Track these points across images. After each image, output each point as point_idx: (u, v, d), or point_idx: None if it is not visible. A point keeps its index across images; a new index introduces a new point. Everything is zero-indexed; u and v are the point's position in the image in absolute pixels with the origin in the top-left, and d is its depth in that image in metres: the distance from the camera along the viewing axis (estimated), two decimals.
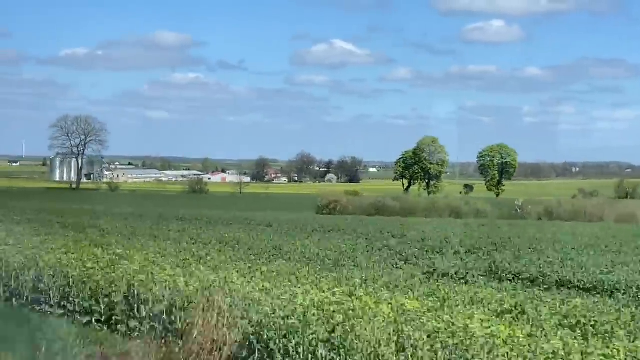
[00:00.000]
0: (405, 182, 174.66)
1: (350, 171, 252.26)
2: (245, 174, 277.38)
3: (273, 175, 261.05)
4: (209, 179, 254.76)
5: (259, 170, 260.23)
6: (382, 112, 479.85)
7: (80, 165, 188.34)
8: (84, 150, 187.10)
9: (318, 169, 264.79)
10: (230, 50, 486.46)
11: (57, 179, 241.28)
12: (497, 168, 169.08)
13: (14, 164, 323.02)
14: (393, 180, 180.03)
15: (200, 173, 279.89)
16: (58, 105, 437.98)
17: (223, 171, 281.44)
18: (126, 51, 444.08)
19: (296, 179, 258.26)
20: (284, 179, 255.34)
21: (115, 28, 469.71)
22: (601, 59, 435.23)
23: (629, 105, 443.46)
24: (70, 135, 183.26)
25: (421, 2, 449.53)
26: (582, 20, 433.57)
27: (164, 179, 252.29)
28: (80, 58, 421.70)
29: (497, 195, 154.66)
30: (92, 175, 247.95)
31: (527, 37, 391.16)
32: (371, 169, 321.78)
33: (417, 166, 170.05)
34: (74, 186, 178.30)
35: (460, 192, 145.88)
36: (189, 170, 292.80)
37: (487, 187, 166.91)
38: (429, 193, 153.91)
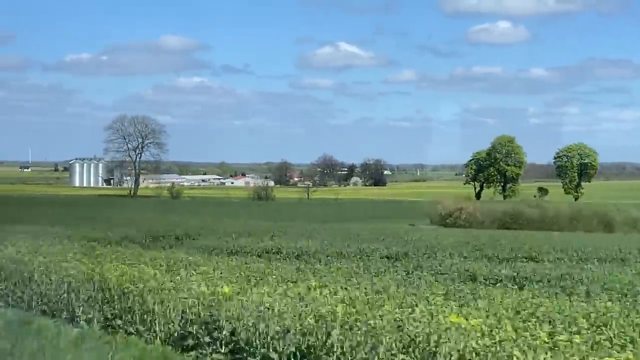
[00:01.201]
0: (477, 185, 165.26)
1: (375, 174, 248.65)
2: (266, 177, 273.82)
3: (297, 179, 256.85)
4: (232, 183, 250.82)
5: (281, 174, 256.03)
6: (385, 115, 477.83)
7: (137, 171, 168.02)
8: (141, 154, 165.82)
9: (340, 172, 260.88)
10: (235, 54, 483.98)
11: (77, 185, 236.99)
12: (577, 169, 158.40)
13: (25, 170, 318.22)
14: (464, 184, 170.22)
15: (219, 177, 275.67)
16: (63, 111, 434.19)
17: (243, 175, 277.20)
18: (131, 56, 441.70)
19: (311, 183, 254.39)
20: (308, 183, 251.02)
21: (120, 33, 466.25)
22: (608, 59, 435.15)
23: (634, 105, 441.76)
24: (127, 137, 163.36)
25: (427, 3, 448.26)
26: (589, 20, 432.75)
27: (185, 183, 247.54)
28: (85, 63, 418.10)
29: (576, 199, 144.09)
30: (112, 181, 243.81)
31: (534, 38, 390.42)
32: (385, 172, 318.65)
33: (492, 168, 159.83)
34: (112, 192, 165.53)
35: (535, 196, 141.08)
36: (205, 174, 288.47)
37: (564, 190, 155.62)
38: (505, 197, 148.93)
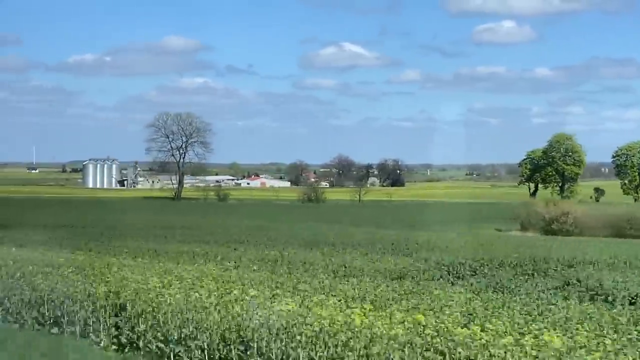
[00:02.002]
0: (532, 185, 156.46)
1: (392, 174, 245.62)
2: (281, 178, 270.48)
3: (313, 179, 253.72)
4: (248, 183, 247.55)
5: (297, 174, 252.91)
6: (389, 115, 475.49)
7: (180, 171, 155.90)
8: (185, 154, 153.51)
9: (356, 172, 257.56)
10: (239, 55, 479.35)
11: (91, 186, 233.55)
12: (637, 169, 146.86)
13: (33, 171, 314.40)
14: (518, 185, 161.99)
15: (232, 178, 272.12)
16: (66, 112, 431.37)
17: (256, 175, 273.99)
18: (134, 57, 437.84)
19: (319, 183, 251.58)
20: (324, 183, 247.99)
21: (123, 34, 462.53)
22: (612, 58, 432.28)
23: (638, 104, 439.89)
24: (170, 136, 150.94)
25: (432, 4, 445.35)
26: (594, 19, 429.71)
27: (201, 184, 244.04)
28: (88, 64, 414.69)
29: (635, 200, 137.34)
30: (125, 182, 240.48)
31: (538, 38, 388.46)
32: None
33: (550, 167, 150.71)
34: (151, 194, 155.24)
35: (591, 197, 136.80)
36: (217, 174, 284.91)
37: (623, 190, 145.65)
38: (563, 197, 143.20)
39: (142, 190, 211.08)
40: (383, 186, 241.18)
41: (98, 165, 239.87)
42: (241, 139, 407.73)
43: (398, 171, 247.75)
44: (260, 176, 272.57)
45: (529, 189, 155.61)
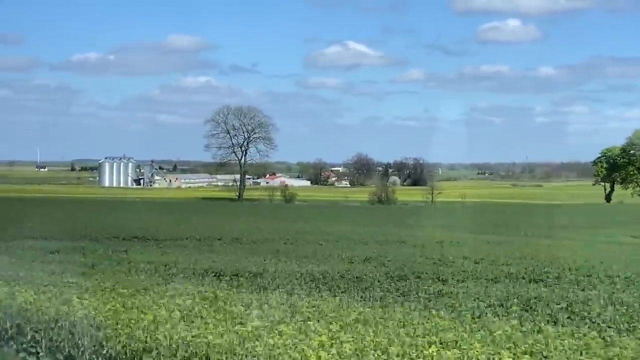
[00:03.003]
0: (607, 185, 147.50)
1: (415, 173, 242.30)
2: (299, 177, 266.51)
3: (334, 179, 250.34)
4: (267, 182, 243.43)
5: (317, 173, 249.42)
6: (393, 114, 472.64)
7: (242, 170, 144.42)
8: (246, 151, 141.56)
9: (376, 171, 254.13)
10: (243, 54, 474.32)
11: (107, 185, 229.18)
12: None
13: (42, 169, 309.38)
14: (593, 184, 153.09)
15: (250, 177, 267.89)
16: (68, 111, 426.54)
17: (273, 174, 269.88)
18: (139, 55, 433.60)
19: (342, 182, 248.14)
20: (345, 183, 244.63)
21: (127, 33, 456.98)
22: (616, 57, 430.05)
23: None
24: (231, 132, 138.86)
25: (437, 2, 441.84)
26: (600, 18, 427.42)
27: (219, 183, 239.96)
28: (92, 63, 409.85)
29: None
30: (141, 181, 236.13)
31: (543, 36, 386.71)
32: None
33: (631, 167, 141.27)
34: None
35: None
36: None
37: None
38: None
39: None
40: (403, 185, 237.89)
41: (114, 163, 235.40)
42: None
43: (420, 170, 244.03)
44: (277, 175, 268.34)
45: (605, 189, 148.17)
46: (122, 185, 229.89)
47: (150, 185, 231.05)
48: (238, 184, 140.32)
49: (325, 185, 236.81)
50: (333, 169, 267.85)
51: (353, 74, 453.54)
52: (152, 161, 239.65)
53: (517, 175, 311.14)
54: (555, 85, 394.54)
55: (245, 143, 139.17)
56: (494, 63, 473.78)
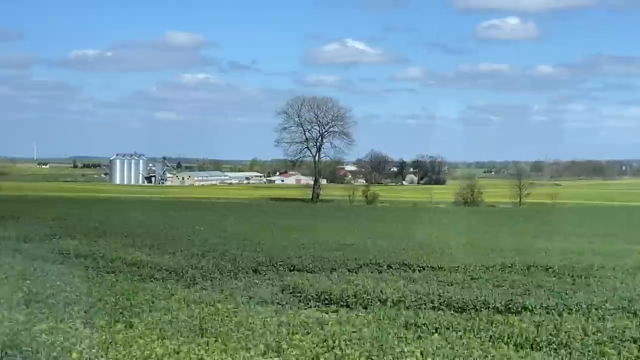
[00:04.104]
0: None
1: (432, 171, 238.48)
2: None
3: (350, 177, 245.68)
4: (282, 180, 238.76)
5: (331, 171, 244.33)
6: (391, 112, 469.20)
7: (317, 168, 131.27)
8: (321, 147, 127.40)
9: (390, 169, 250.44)
10: (242, 51, 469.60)
11: (118, 182, 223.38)
12: None
13: (44, 166, 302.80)
14: None
15: (259, 175, 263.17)
16: (67, 108, 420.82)
17: (285, 172, 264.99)
18: (137, 52, 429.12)
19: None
20: (361, 180, 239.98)
21: (126, 29, 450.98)
22: (616, 56, 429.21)
23: (638, 102, 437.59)
24: (304, 125, 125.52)
25: (437, 0, 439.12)
26: (599, 16, 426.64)
27: (233, 181, 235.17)
28: (91, 59, 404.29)
29: None
30: (152, 178, 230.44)
31: (543, 35, 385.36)
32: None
33: None
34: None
35: None
36: (240, 171, 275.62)
37: None
38: None
39: (165, 187, 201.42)
40: (419, 184, 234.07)
41: (125, 160, 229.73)
42: (240, 135, 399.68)
43: (438, 169, 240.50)
44: (289, 173, 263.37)
45: None
46: (132, 182, 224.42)
47: (162, 183, 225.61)
48: (313, 183, 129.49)
49: (342, 183, 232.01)
50: (345, 166, 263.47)
51: (352, 72, 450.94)
52: (164, 158, 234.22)
53: (527, 173, 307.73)
54: (554, 84, 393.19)
55: (320, 138, 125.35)
56: (493, 61, 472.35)
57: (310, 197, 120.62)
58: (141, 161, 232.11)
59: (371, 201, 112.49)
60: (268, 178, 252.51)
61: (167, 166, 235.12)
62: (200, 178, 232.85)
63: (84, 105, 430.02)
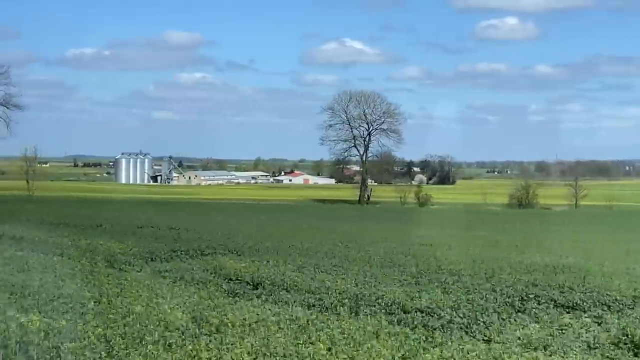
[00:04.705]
0: None
1: (442, 171, 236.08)
2: (318, 174, 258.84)
3: (359, 176, 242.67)
4: (290, 180, 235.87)
5: (338, 170, 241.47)
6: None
7: (364, 168, 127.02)
8: (368, 146, 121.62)
9: (399, 169, 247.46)
10: (240, 50, 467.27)
11: (123, 181, 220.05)
12: None
13: (44, 165, 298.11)
14: None
15: (265, 174, 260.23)
16: (63, 107, 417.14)
17: (291, 172, 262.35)
18: (134, 51, 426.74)
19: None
20: (370, 180, 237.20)
21: (123, 28, 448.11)
22: (615, 56, 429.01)
23: (637, 102, 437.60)
24: (351, 122, 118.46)
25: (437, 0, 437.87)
26: (599, 16, 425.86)
27: (241, 180, 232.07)
28: (88, 58, 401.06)
29: None
30: (158, 177, 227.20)
31: (542, 35, 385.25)
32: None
33: None
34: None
35: None
36: (245, 170, 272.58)
37: None
38: None
39: (175, 186, 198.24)
40: (431, 184, 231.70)
41: (131, 159, 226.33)
42: (239, 135, 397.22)
43: (448, 169, 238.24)
44: (295, 172, 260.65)
45: None
46: (138, 182, 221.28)
47: (168, 182, 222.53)
48: (360, 184, 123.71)
49: (351, 183, 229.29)
50: (350, 165, 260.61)
51: (350, 72, 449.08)
52: (171, 157, 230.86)
53: (531, 173, 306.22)
54: (553, 84, 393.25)
55: (367, 136, 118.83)
56: (492, 61, 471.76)
57: (358, 198, 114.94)
58: (147, 160, 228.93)
59: (423, 203, 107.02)
60: (275, 178, 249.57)
61: (174, 165, 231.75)
62: (207, 178, 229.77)
63: (81, 104, 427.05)
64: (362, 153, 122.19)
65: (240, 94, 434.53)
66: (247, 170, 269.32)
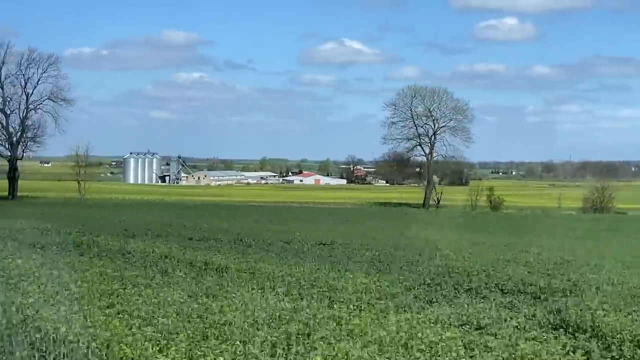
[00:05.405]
0: None
1: (455, 172, 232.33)
2: (328, 174, 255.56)
3: (372, 177, 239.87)
4: (301, 180, 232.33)
5: (348, 171, 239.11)
6: (386, 112, 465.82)
7: (429, 169, 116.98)
8: (433, 145, 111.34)
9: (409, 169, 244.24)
10: (238, 50, 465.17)
11: (132, 181, 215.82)
12: None
13: (46, 165, 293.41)
14: None
15: (274, 174, 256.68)
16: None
17: (300, 172, 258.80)
18: (132, 51, 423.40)
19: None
20: (382, 181, 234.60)
21: (121, 27, 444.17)
22: (613, 57, 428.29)
23: (634, 103, 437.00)
24: (416, 120, 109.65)
25: (436, 0, 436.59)
26: (598, 17, 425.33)
27: (250, 181, 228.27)
28: (86, 58, 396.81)
29: None
30: (167, 177, 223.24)
31: (540, 35, 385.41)
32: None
33: None
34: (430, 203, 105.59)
35: None
36: (255, 171, 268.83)
37: None
38: None
39: (185, 187, 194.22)
40: (443, 184, 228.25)
41: (139, 159, 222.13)
42: (237, 134, 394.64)
43: (461, 169, 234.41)
44: (304, 172, 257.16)
45: None
46: (146, 182, 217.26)
47: (177, 183, 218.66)
48: (425, 187, 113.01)
49: (364, 184, 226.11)
50: (360, 166, 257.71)
51: (348, 71, 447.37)
52: (179, 157, 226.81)
53: (538, 174, 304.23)
54: (551, 84, 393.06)
55: (433, 135, 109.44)
56: (490, 61, 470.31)
57: (422, 202, 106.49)
58: (155, 160, 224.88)
59: (496, 207, 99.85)
60: (285, 178, 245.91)
61: (182, 165, 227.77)
62: (216, 178, 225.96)
63: (79, 103, 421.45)
64: (427, 152, 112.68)
65: (238, 94, 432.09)
66: (254, 170, 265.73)
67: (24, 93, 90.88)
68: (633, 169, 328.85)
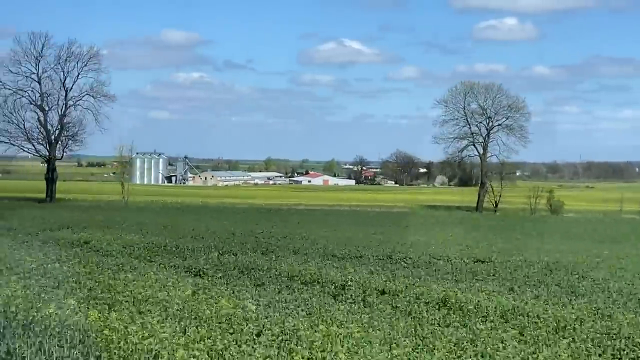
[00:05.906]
0: None
1: (464, 173, 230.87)
2: (335, 175, 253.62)
3: (381, 177, 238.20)
4: (309, 181, 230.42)
5: (356, 172, 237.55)
6: (385, 112, 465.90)
7: (484, 171, 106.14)
8: (488, 142, 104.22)
9: (418, 170, 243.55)
10: (238, 50, 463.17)
11: (138, 182, 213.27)
12: None
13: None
14: None
15: (280, 174, 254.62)
16: None
17: (306, 172, 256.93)
18: (131, 50, 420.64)
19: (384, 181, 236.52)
20: (390, 182, 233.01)
21: (120, 27, 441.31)
22: (613, 57, 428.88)
23: (634, 104, 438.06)
24: (470, 118, 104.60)
25: (436, 0, 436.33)
26: (598, 17, 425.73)
27: (258, 181, 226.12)
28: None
29: None
30: (173, 178, 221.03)
31: (541, 36, 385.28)
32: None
33: None
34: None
35: None
36: (261, 171, 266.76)
37: None
38: None
39: (202, 188, 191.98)
40: (452, 185, 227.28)
41: (145, 159, 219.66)
42: (237, 134, 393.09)
43: (470, 169, 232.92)
44: (310, 173, 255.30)
45: None
46: (153, 182, 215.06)
47: (183, 183, 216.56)
48: (478, 190, 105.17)
49: (373, 184, 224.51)
50: (368, 167, 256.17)
51: (347, 72, 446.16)
52: (186, 157, 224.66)
53: (543, 174, 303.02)
54: (550, 85, 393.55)
55: (487, 134, 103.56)
56: (490, 62, 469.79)
57: (476, 205, 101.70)
58: (161, 160, 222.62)
59: (556, 211, 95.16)
60: (292, 179, 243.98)
61: (189, 166, 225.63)
62: (223, 178, 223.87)
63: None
64: (481, 153, 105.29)
65: (237, 94, 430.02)
66: (260, 171, 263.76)
67: (62, 88, 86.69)
68: (637, 169, 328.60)
